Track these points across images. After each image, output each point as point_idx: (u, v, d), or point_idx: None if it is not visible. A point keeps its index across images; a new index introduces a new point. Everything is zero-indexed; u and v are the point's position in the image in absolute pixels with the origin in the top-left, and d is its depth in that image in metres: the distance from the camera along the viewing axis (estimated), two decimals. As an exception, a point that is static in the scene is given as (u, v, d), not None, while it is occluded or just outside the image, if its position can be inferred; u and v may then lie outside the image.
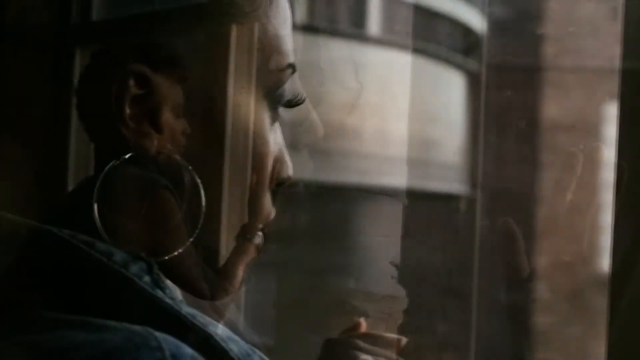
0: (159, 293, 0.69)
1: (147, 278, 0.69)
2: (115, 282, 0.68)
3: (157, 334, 0.63)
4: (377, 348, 0.99)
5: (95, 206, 0.69)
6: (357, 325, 1.02)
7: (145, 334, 0.63)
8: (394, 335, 1.01)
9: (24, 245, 0.68)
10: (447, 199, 5.63)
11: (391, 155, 5.64)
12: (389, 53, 5.68)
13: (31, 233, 0.67)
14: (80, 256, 0.67)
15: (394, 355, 0.99)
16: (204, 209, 0.71)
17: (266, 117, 0.75)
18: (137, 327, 0.64)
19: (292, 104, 0.78)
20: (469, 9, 5.83)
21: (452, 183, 5.50)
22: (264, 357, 0.73)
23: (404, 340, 1.01)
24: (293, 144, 0.87)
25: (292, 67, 0.77)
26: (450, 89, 5.73)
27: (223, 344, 0.69)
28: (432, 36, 5.70)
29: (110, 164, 0.69)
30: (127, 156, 0.70)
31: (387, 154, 5.43)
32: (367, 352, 0.98)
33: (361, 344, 0.99)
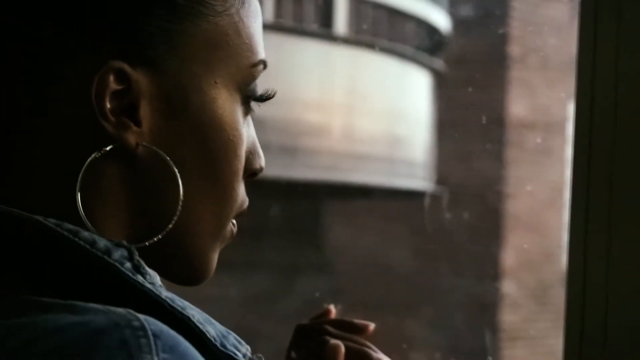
0: (140, 278, 0.72)
1: (128, 264, 0.72)
2: (98, 268, 0.71)
3: (140, 315, 0.67)
4: (346, 333, 1.02)
5: (79, 195, 0.73)
6: (327, 312, 1.06)
7: (128, 315, 0.66)
8: (362, 321, 1.05)
9: (11, 233, 0.71)
10: (413, 196, 5.68)
11: (358, 152, 5.67)
12: (355, 52, 5.71)
13: (18, 222, 0.71)
14: (65, 244, 0.71)
15: (362, 340, 1.02)
16: (181, 198, 0.75)
17: (239, 110, 0.79)
18: (120, 309, 0.67)
19: (264, 98, 0.82)
20: (435, 8, 5.88)
21: (419, 180, 5.55)
22: (239, 338, 0.77)
23: (372, 325, 1.04)
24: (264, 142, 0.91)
25: (263, 63, 0.81)
26: (416, 87, 5.78)
27: (200, 326, 0.73)
28: (398, 35, 5.74)
29: (93, 155, 0.73)
30: (108, 148, 0.74)
31: (354, 151, 5.47)
32: (337, 337, 1.01)
33: (331, 329, 1.03)
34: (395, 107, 5.57)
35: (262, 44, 0.82)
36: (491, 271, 5.20)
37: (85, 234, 0.72)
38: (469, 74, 5.33)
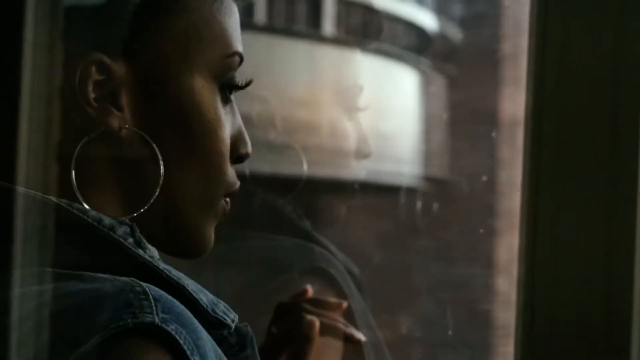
0: (141, 252, 0.81)
1: (130, 240, 0.81)
2: (104, 243, 0.80)
3: (141, 282, 0.76)
4: (321, 310, 1.12)
5: (73, 173, 0.82)
6: (305, 292, 1.15)
7: (131, 282, 0.75)
8: (336, 300, 1.14)
9: (28, 212, 0.81)
10: (402, 192, 5.71)
11: (345, 148, 5.69)
12: (343, 52, 5.74)
13: (35, 201, 0.80)
14: (75, 221, 0.80)
15: (335, 316, 1.12)
16: (162, 173, 0.83)
17: (217, 97, 0.87)
18: (124, 278, 0.76)
19: (241, 86, 0.91)
20: (422, 9, 5.93)
21: (407, 177, 5.58)
22: (228, 307, 0.86)
23: (345, 304, 1.13)
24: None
25: (238, 55, 0.89)
26: (403, 87, 5.81)
27: (194, 294, 0.82)
28: (386, 36, 5.78)
29: (84, 139, 0.82)
30: (96, 133, 0.83)
31: (342, 147, 5.49)
32: (313, 313, 1.10)
33: (308, 306, 1.11)
34: (383, 105, 5.62)
35: (238, 38, 0.89)
36: (484, 268, 5.24)
37: (93, 212, 0.81)
38: (461, 73, 5.39)
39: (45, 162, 0.84)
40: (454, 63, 5.48)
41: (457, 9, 5.77)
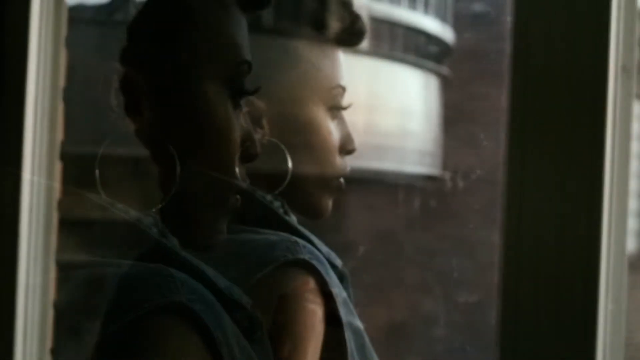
0: (164, 240, 0.89)
1: (155, 229, 0.89)
2: (133, 232, 0.88)
3: (169, 268, 0.84)
4: (321, 299, 1.18)
5: (97, 171, 0.89)
6: (306, 282, 1.21)
7: (160, 267, 0.84)
8: (335, 289, 1.20)
9: (59, 204, 0.89)
10: (405, 187, 5.73)
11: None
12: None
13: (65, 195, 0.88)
14: (105, 213, 0.88)
15: (335, 306, 1.18)
16: (179, 171, 0.91)
17: (228, 102, 0.94)
18: (153, 264, 0.85)
19: (250, 92, 0.97)
20: (424, 12, 5.98)
21: (407, 173, 5.61)
22: (241, 291, 0.93)
23: (345, 293, 1.19)
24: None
25: (247, 62, 0.96)
26: (408, 86, 5.85)
27: (213, 278, 0.90)
28: (390, 40, 5.81)
29: (106, 141, 0.90)
30: (118, 135, 0.90)
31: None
32: (314, 303, 1.16)
33: (309, 296, 1.18)
34: (388, 104, 5.65)
35: (247, 47, 0.96)
36: (489, 264, 5.27)
37: (120, 205, 0.89)
38: (465, 71, 5.42)
39: (50, 163, 0.91)
40: (461, 65, 5.52)
41: (458, 8, 5.82)
